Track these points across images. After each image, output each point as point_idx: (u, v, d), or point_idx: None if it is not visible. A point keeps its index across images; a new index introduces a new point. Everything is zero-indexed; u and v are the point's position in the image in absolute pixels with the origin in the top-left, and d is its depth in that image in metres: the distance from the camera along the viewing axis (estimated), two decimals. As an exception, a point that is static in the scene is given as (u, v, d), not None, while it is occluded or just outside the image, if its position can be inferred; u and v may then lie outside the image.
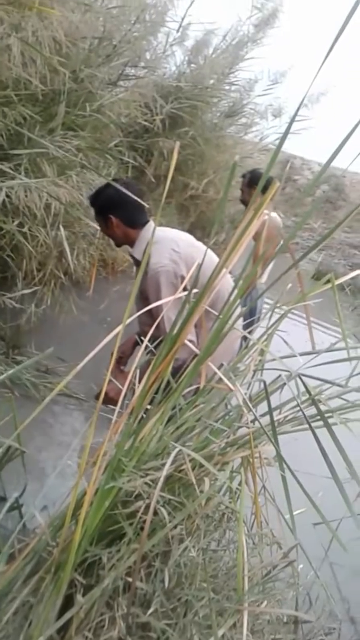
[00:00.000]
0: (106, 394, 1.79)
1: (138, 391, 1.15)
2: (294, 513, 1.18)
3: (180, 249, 1.92)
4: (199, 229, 4.70)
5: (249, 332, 1.54)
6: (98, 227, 2.14)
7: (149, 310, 1.33)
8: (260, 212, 1.07)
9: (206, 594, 1.14)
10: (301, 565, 1.43)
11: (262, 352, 1.34)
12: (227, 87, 4.37)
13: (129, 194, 1.82)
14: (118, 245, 2.15)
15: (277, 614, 1.35)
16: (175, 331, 1.17)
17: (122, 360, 2.25)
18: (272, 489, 1.34)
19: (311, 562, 1.38)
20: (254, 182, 3.39)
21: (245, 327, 2.71)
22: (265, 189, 1.09)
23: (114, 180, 1.97)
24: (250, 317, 3.06)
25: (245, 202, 3.40)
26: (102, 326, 3.06)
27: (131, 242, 2.06)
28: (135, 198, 1.86)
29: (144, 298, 1.93)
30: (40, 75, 2.05)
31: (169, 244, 1.94)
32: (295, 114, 1.11)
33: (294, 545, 1.25)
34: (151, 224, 2.07)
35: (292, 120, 1.08)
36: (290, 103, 5.00)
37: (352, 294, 7.38)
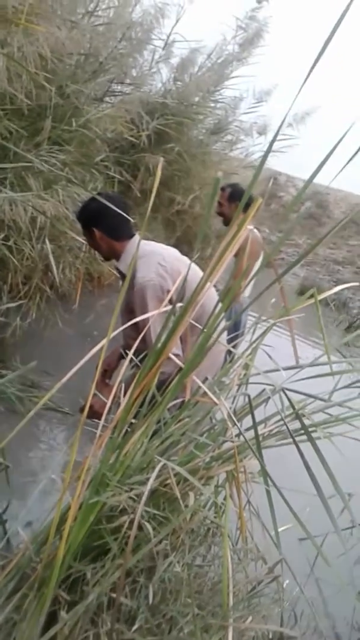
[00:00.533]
0: (91, 407, 1.78)
1: (122, 404, 1.15)
2: (280, 529, 1.18)
3: (167, 262, 1.93)
4: (186, 244, 4.73)
5: (234, 346, 1.54)
6: (84, 241, 2.15)
7: (135, 324, 1.33)
8: (243, 228, 1.08)
9: (191, 609, 1.13)
10: (287, 581, 1.43)
11: (246, 366, 1.35)
12: (212, 105, 4.44)
13: (113, 207, 1.84)
14: (105, 258, 2.16)
15: (263, 630, 1.35)
16: (160, 344, 1.17)
17: (107, 373, 2.25)
18: (257, 504, 1.34)
19: (296, 578, 1.38)
20: (234, 197, 3.41)
21: (230, 341, 2.72)
22: (247, 206, 1.10)
23: (98, 194, 1.99)
24: (235, 331, 3.07)
25: (222, 214, 3.41)
26: (87, 340, 3.05)
27: (117, 255, 2.07)
28: (119, 211, 1.88)
29: (129, 311, 1.93)
30: (26, 90, 2.07)
31: (155, 257, 1.95)
32: (278, 133, 1.13)
33: (278, 561, 1.24)
34: (137, 237, 2.08)
35: (275, 138, 1.10)
36: (275, 121, 5.09)
37: (337, 309, 7.46)
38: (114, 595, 1.11)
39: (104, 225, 1.99)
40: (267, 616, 1.37)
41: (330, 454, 1.21)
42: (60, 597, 1.13)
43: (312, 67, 1.02)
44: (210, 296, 1.65)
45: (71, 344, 2.85)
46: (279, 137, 5.06)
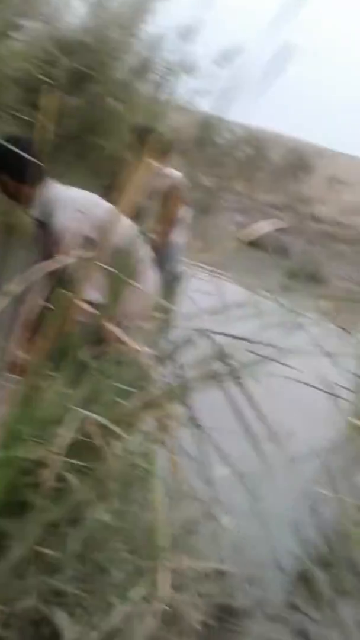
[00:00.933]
0: (12, 363, 1.72)
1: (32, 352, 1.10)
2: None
3: (86, 208, 1.86)
4: (116, 192, 4.56)
5: (172, 293, 1.50)
6: None
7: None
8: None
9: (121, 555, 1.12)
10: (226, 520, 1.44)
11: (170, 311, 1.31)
12: (133, 42, 4.22)
13: (17, 150, 1.75)
14: (20, 204, 2.06)
15: (200, 569, 1.36)
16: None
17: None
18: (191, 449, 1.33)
19: (232, 515, 1.39)
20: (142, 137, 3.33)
21: (167, 288, 2.68)
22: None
23: (7, 137, 1.87)
24: (171, 278, 3.04)
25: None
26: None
27: (29, 201, 1.99)
28: (23, 154, 1.79)
29: (46, 257, 1.87)
30: None
31: (72, 203, 1.88)
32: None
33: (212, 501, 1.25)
34: (51, 182, 1.99)
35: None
36: (202, 59, 4.88)
37: (277, 254, 7.51)
38: (39, 548, 1.09)
39: (10, 169, 1.90)
40: (207, 556, 1.39)
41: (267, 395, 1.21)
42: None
43: None
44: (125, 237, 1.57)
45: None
46: (207, 76, 4.88)
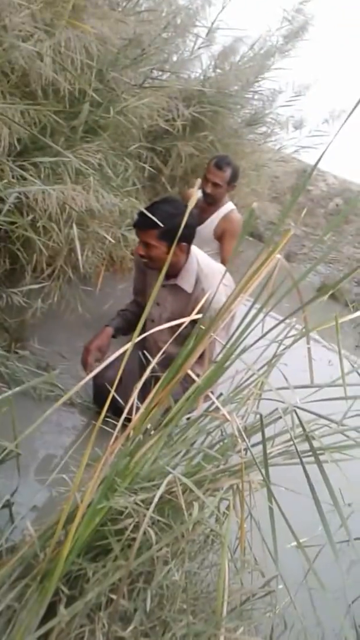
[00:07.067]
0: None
1: (140, 411, 1.18)
2: (289, 545, 1.20)
3: (226, 280, 1.90)
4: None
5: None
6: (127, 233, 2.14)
7: (172, 329, 1.31)
8: (272, 257, 1.08)
9: (185, 616, 1.17)
10: (280, 586, 1.45)
11: (261, 384, 1.36)
12: (250, 96, 4.38)
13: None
14: (154, 268, 2.10)
15: (252, 640, 1.38)
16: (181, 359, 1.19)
17: (100, 356, 2.26)
18: (259, 517, 1.37)
19: (288, 589, 1.41)
20: (234, 180, 3.26)
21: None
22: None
23: (167, 200, 1.95)
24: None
25: (213, 195, 3.20)
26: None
27: (176, 270, 2.02)
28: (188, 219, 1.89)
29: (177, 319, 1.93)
30: (68, 77, 2.06)
31: (217, 277, 1.96)
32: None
33: (273, 576, 1.28)
34: (193, 249, 2.06)
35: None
36: (312, 116, 4.99)
37: (356, 310, 7.37)
38: (112, 595, 1.15)
39: (190, 242, 1.92)
40: (257, 626, 1.41)
41: (338, 472, 1.24)
42: (61, 591, 1.18)
43: None
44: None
45: (89, 328, 2.87)
46: (313, 133, 4.96)
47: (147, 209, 1.96)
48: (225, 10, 3.82)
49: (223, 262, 3.18)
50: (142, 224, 1.98)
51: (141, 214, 1.98)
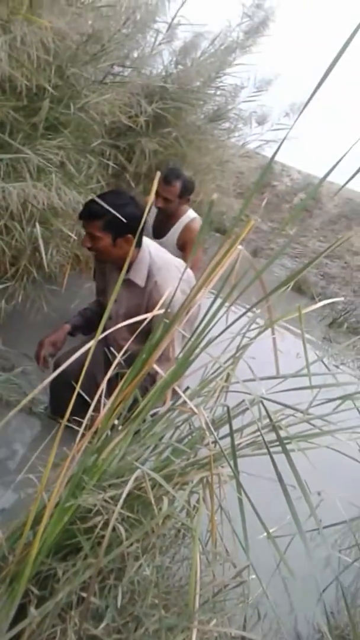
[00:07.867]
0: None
1: (105, 409, 1.17)
2: (261, 536, 1.21)
3: (185, 275, 1.90)
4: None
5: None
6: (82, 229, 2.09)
7: (130, 326, 1.30)
8: (233, 249, 1.09)
9: (157, 611, 1.17)
10: (252, 576, 1.46)
11: (227, 377, 1.37)
12: (212, 91, 4.39)
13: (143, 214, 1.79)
14: (102, 260, 2.09)
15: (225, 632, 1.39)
16: (145, 353, 1.18)
17: (53, 351, 2.24)
18: (229, 508, 1.37)
19: (260, 579, 1.42)
20: (185, 194, 3.14)
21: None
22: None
23: (114, 191, 1.93)
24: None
25: (166, 210, 3.12)
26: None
27: (123, 262, 2.00)
28: (135, 210, 1.85)
29: (134, 316, 1.91)
30: (25, 73, 2.03)
31: (174, 271, 1.95)
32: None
33: (245, 567, 1.28)
34: (145, 242, 2.05)
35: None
36: (274, 111, 5.03)
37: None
38: (83, 593, 1.14)
39: (137, 233, 1.92)
40: (231, 617, 1.42)
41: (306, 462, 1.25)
42: (31, 592, 1.16)
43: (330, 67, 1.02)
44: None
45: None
46: (276, 127, 5.00)
47: (91, 200, 1.94)
48: (185, 5, 3.82)
49: (192, 269, 3.18)
50: (85, 215, 1.94)
51: (85, 204, 1.96)
